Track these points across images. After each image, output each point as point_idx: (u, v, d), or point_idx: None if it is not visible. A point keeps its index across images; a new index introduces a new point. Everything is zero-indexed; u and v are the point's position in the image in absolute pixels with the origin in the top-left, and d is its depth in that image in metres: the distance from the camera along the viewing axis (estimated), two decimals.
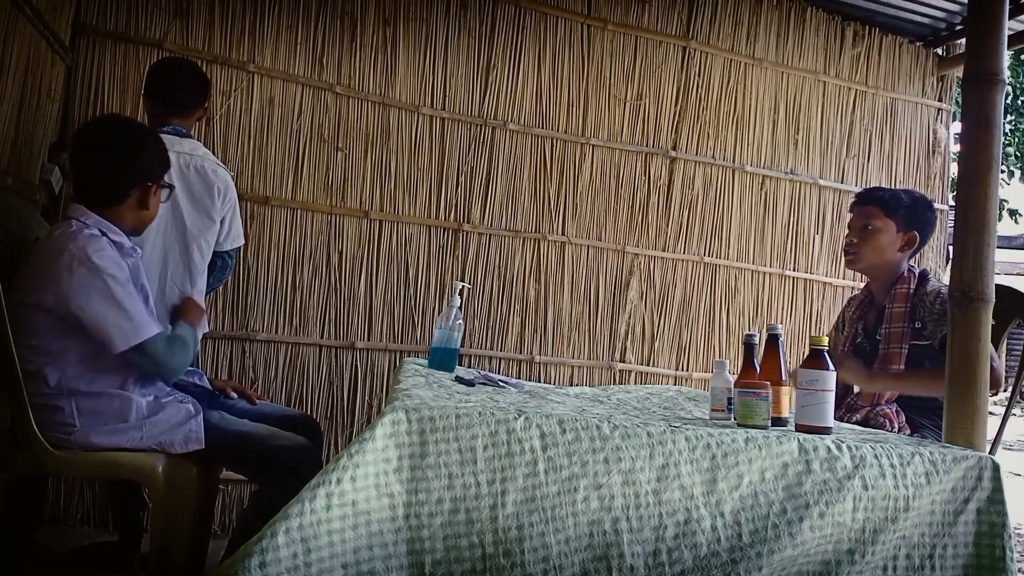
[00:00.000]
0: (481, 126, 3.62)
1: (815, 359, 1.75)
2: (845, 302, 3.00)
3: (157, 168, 2.15)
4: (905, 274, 2.57)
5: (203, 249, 2.66)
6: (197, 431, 2.02)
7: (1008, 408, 2.48)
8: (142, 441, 1.97)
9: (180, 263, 2.60)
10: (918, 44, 4.35)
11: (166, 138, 2.52)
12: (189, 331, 2.16)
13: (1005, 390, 2.40)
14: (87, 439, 1.94)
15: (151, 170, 2.12)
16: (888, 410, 2.45)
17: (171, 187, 2.23)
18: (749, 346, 1.92)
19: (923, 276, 2.58)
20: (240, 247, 2.87)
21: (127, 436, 1.96)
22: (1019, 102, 9.37)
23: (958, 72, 4.31)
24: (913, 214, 2.58)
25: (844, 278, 4.12)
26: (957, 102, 4.83)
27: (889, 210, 2.57)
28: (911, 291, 2.53)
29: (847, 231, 2.70)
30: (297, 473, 2.03)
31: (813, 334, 3.80)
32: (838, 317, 2.92)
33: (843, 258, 2.74)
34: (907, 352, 2.47)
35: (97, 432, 1.94)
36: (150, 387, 2.04)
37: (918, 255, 2.70)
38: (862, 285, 4.01)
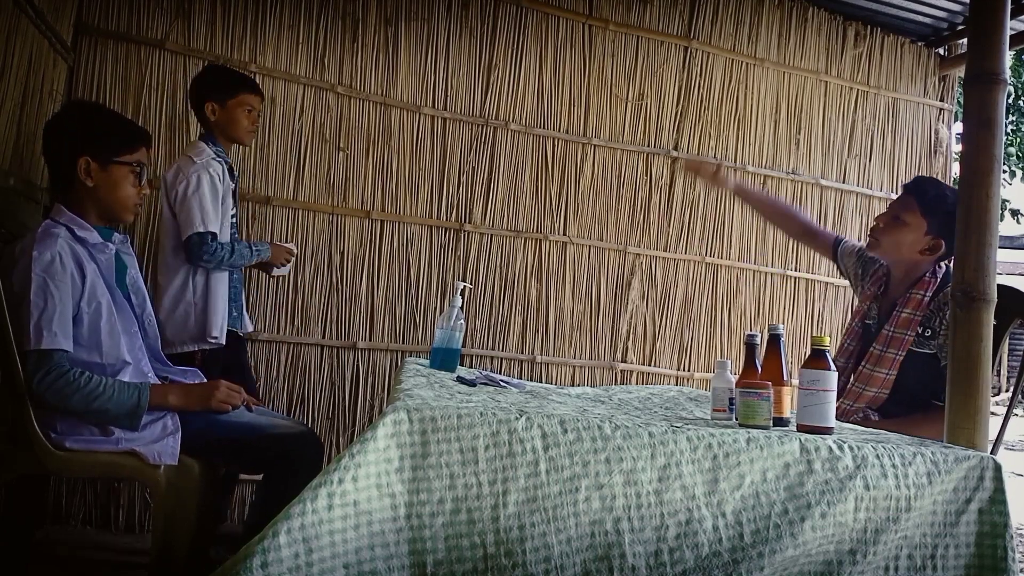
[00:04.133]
0: (482, 126, 3.62)
1: (816, 359, 1.75)
2: (870, 256, 2.72)
3: (98, 142, 2.04)
4: (926, 277, 2.44)
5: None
6: (173, 447, 1.95)
7: (1009, 408, 2.48)
8: (117, 447, 1.93)
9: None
10: (920, 44, 4.34)
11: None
12: (133, 395, 1.91)
13: (996, 390, 2.37)
14: (62, 443, 1.91)
15: (88, 143, 2.03)
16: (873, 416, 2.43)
17: (140, 163, 2.10)
18: (751, 346, 1.92)
19: (946, 280, 2.41)
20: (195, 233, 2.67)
21: (101, 442, 1.93)
22: (1021, 102, 9.37)
23: (960, 72, 4.31)
24: (950, 222, 2.26)
25: (846, 278, 4.11)
26: (959, 102, 4.84)
27: (927, 209, 2.42)
28: (926, 298, 2.41)
29: (880, 212, 2.57)
30: (298, 461, 2.03)
31: (815, 334, 3.80)
32: (862, 252, 2.75)
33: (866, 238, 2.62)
34: (903, 359, 2.41)
35: (73, 439, 1.92)
36: None
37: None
38: None
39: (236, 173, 2.90)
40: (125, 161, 2.08)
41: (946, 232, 2.36)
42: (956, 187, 2.00)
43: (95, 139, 2.05)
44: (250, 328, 3.02)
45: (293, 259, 2.96)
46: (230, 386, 2.10)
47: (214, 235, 2.62)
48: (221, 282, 2.70)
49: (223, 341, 2.69)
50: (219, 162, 2.71)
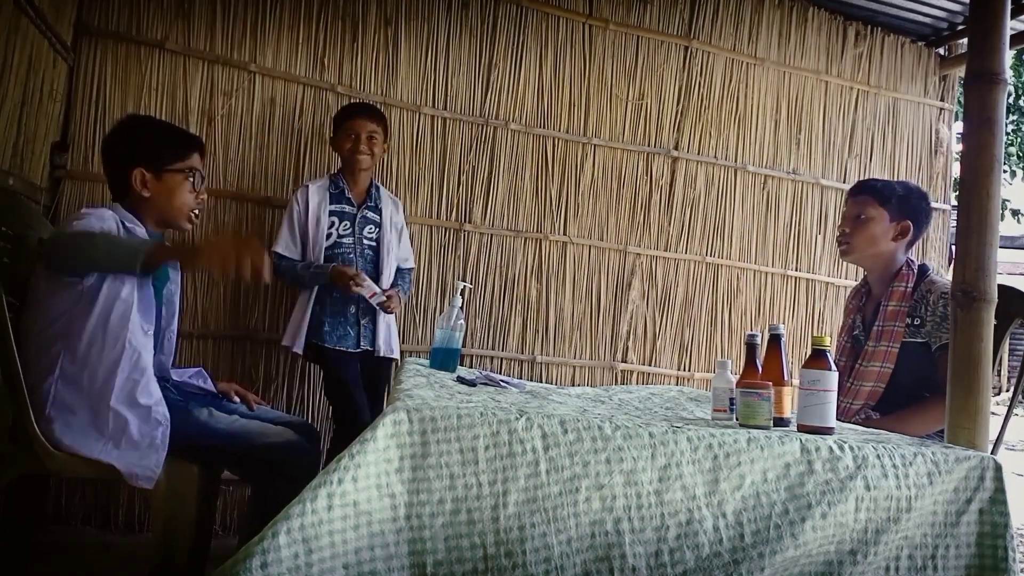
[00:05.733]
0: (483, 126, 3.62)
1: (817, 359, 1.75)
2: (848, 292, 3.00)
3: (151, 153, 2.11)
4: (903, 269, 2.55)
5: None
6: (154, 469, 1.90)
7: (1010, 408, 2.48)
8: (98, 456, 1.90)
9: None
10: (920, 44, 4.34)
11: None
12: (139, 242, 1.97)
13: (996, 390, 2.41)
14: (53, 433, 1.89)
15: (141, 155, 2.10)
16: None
17: (193, 170, 2.16)
18: (751, 346, 1.92)
19: (923, 271, 2.55)
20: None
21: (89, 447, 1.90)
22: (1021, 102, 9.36)
23: (960, 72, 4.31)
24: (906, 203, 2.57)
25: (846, 278, 4.11)
26: (959, 102, 4.83)
27: (882, 199, 2.57)
28: (908, 289, 2.51)
29: (840, 221, 2.71)
30: (287, 469, 2.03)
31: (815, 334, 3.79)
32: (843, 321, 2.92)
33: (837, 249, 2.74)
34: (898, 350, 2.46)
35: (64, 432, 1.90)
36: (132, 406, 1.94)
37: (916, 251, 2.69)
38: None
39: (349, 196, 3.04)
40: (178, 169, 2.14)
41: (907, 213, 2.57)
42: (957, 186, 2.01)
43: (147, 150, 2.12)
44: (380, 350, 2.99)
45: (377, 290, 2.90)
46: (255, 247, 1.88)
47: (278, 254, 2.93)
48: (301, 296, 2.97)
49: (297, 351, 2.94)
50: (320, 187, 2.99)
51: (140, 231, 2.08)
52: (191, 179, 2.16)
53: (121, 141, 2.15)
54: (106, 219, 1.99)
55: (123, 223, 2.04)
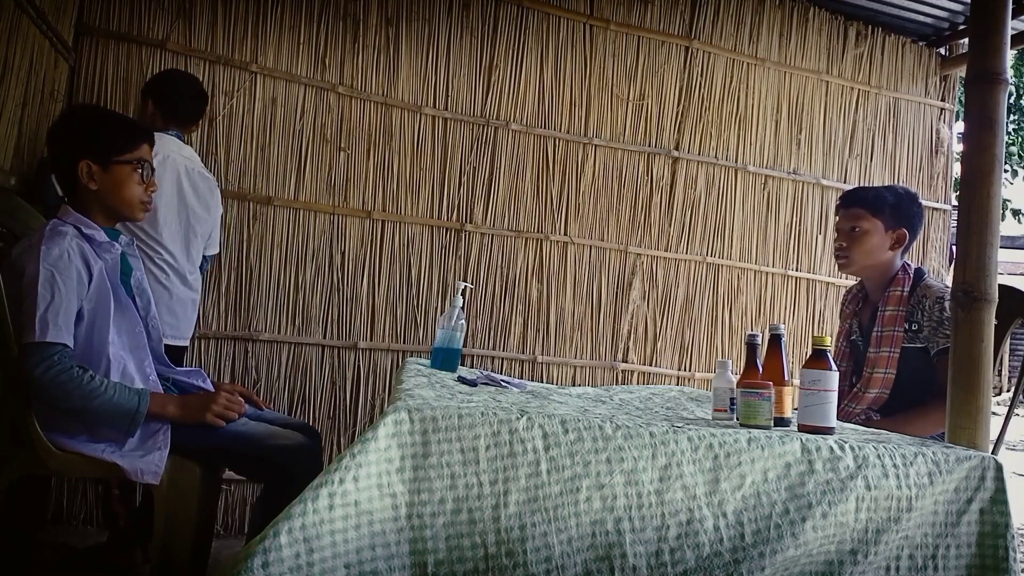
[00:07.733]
0: (483, 126, 3.62)
1: (818, 359, 1.75)
2: (843, 294, 3.00)
3: (97, 144, 2.02)
4: (899, 274, 2.54)
5: (198, 245, 2.81)
6: (157, 466, 1.90)
7: (1011, 408, 2.47)
8: (101, 455, 1.90)
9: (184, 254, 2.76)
10: (921, 44, 4.34)
11: (172, 141, 2.70)
12: (133, 399, 1.90)
13: (997, 391, 2.39)
14: (55, 433, 1.89)
15: (87, 146, 2.01)
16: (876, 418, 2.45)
17: (142, 161, 2.08)
18: (751, 346, 1.92)
19: (919, 275, 2.54)
20: (215, 255, 3.02)
21: (88, 447, 1.90)
22: (1022, 102, 9.36)
23: (961, 72, 4.32)
24: (899, 211, 2.55)
25: (846, 278, 4.11)
26: (960, 102, 4.84)
27: (875, 210, 2.54)
28: (905, 293, 2.49)
29: (835, 235, 2.68)
30: (295, 472, 2.02)
31: (816, 334, 3.79)
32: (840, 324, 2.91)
33: (835, 262, 2.72)
34: (898, 355, 2.45)
35: (66, 432, 1.90)
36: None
37: (916, 252, 2.68)
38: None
39: None
40: (126, 160, 2.05)
41: (901, 220, 2.54)
42: (957, 187, 2.01)
43: (93, 141, 2.03)
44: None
45: None
46: (229, 398, 2.07)
47: None
48: None
49: None
50: None
51: (99, 234, 2.01)
52: (140, 171, 2.07)
53: (66, 132, 2.06)
54: (63, 243, 1.90)
55: (81, 230, 1.98)
